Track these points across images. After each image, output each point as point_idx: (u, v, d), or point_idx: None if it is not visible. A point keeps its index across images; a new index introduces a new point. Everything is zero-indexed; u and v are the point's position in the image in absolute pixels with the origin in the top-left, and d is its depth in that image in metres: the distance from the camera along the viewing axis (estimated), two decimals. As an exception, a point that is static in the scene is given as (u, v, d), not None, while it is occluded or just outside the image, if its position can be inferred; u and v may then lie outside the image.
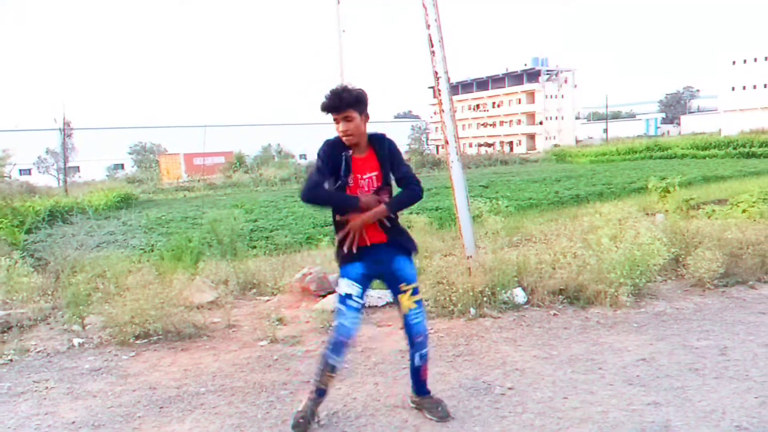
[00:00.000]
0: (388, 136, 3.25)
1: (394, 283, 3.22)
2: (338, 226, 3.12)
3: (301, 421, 3.17)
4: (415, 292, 3.21)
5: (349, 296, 3.13)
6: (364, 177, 3.09)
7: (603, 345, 4.33)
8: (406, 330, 3.23)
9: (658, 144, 47.78)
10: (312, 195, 3.04)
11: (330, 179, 3.07)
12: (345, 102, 3.01)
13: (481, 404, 3.46)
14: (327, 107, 3.04)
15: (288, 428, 3.23)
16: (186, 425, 3.36)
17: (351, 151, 3.08)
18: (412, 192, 3.14)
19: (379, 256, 3.15)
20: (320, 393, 3.22)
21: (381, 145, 3.16)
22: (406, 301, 3.19)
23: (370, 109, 3.12)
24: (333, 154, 3.06)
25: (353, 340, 3.20)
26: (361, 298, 3.16)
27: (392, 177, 3.18)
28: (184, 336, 4.82)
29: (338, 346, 3.11)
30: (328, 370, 3.15)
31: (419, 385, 3.36)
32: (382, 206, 3.05)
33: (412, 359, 3.27)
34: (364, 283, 3.18)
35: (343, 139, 3.06)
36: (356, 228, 3.04)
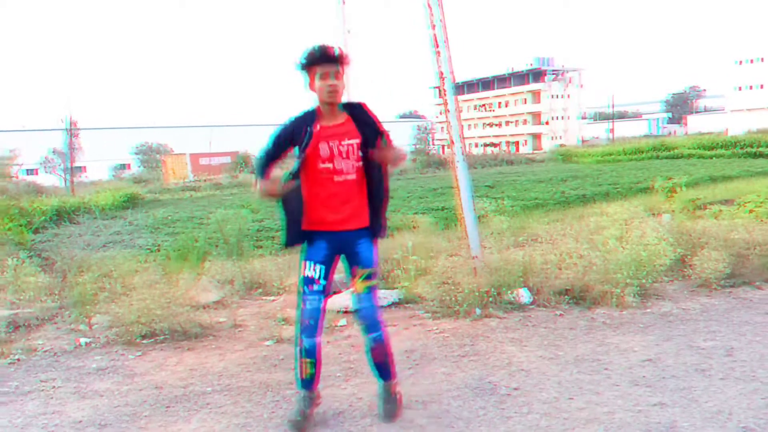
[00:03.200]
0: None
1: (351, 264, 3.18)
2: (287, 204, 3.06)
3: (298, 419, 3.20)
4: (368, 276, 3.14)
5: (310, 280, 3.11)
6: (343, 144, 3.01)
7: (609, 345, 4.32)
8: (355, 314, 3.18)
9: (665, 144, 47.58)
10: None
11: (278, 153, 3.07)
12: (342, 58, 2.96)
13: (486, 404, 3.46)
14: (324, 57, 2.93)
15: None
16: (192, 425, 3.37)
17: (317, 125, 3.00)
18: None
19: (343, 236, 3.11)
20: (304, 385, 3.24)
21: (361, 111, 3.07)
22: (358, 284, 3.15)
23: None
24: (298, 127, 3.00)
25: (322, 317, 3.18)
26: (325, 278, 3.13)
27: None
28: (190, 335, 4.84)
29: (308, 329, 3.14)
30: (303, 356, 3.17)
31: (379, 370, 3.33)
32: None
33: (366, 345, 3.25)
34: (328, 262, 3.13)
35: (328, 95, 2.96)
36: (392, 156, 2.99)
